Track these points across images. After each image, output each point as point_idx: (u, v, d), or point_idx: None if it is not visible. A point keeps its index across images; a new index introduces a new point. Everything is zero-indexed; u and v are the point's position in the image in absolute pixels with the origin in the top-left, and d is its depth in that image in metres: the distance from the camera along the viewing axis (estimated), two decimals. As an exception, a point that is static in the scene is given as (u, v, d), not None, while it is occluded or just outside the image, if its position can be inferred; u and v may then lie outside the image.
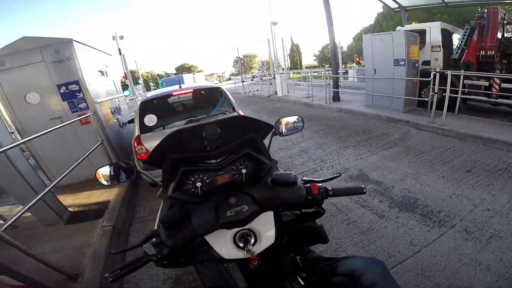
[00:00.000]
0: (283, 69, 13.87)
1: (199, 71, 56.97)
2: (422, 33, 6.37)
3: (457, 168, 3.25)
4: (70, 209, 3.05)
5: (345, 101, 8.13)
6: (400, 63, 5.84)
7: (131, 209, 3.30)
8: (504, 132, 4.01)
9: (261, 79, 17.13)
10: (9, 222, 1.72)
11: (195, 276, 1.94)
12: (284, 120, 1.26)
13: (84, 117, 3.47)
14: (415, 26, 7.13)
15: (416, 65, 6.12)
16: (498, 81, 5.39)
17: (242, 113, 3.40)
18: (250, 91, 15.83)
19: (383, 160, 3.71)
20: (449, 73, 4.64)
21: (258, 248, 0.74)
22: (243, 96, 15.15)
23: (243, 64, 50.28)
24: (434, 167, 3.35)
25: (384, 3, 10.22)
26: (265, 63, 43.78)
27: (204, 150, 0.84)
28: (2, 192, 4.18)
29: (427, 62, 6.39)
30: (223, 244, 0.74)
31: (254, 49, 64.85)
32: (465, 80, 5.18)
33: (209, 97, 3.74)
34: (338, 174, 1.04)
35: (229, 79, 44.91)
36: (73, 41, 3.56)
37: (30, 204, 2.02)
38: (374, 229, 2.29)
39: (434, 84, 4.93)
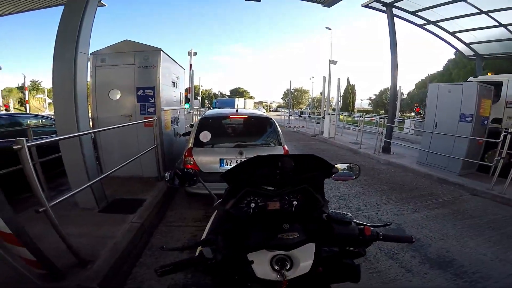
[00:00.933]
0: (333, 110, 13.69)
1: (250, 97, 59.90)
2: (497, 85, 5.59)
3: (508, 235, 2.93)
4: (109, 199, 3.23)
5: (395, 154, 7.52)
6: (467, 118, 5.11)
7: (162, 212, 3.35)
8: None
9: (309, 116, 17.12)
10: (57, 200, 1.83)
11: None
12: (339, 166, 1.21)
13: (149, 121, 3.81)
14: (491, 77, 6.38)
15: (486, 122, 5.31)
16: None
17: (287, 148, 3.41)
18: (295, 127, 15.83)
19: (426, 219, 3.41)
20: None
21: (292, 274, 0.78)
22: (287, 130, 15.13)
23: (293, 98, 51.39)
24: (482, 232, 3.03)
25: (457, 49, 9.47)
26: (316, 100, 44.01)
27: (274, 178, 0.93)
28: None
29: (498, 120, 5.58)
30: (262, 264, 0.78)
31: (307, 85, 66.33)
32: None
33: (259, 125, 3.81)
34: (388, 224, 1.05)
35: (276, 110, 46.13)
36: (161, 51, 4.07)
37: (81, 188, 2.18)
38: (398, 280, 2.18)
39: (502, 147, 4.21)
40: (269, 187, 0.94)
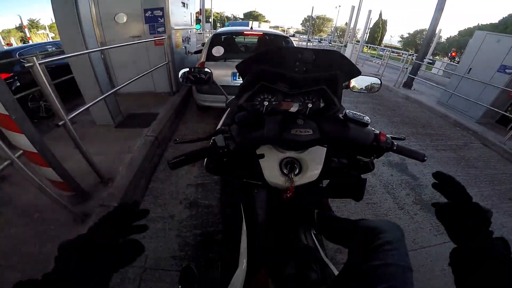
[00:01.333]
0: (358, 41, 12.29)
1: (266, 21, 54.29)
2: None
3: (502, 192, 2.87)
4: (123, 114, 3.31)
5: (417, 91, 7.07)
6: (507, 70, 4.72)
7: (175, 126, 3.46)
8: None
9: (330, 43, 15.54)
10: (74, 113, 1.82)
11: (210, 202, 2.12)
12: (363, 76, 1.11)
13: (159, 39, 3.75)
14: None
15: None
16: None
17: None
18: (313, 55, 14.66)
19: (430, 160, 3.39)
20: None
21: (299, 180, 0.77)
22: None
23: (313, 25, 46.03)
24: (478, 184, 2.99)
25: None
26: (340, 29, 39.35)
27: (292, 70, 0.84)
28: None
29: None
30: (271, 166, 0.78)
31: (331, 14, 58.30)
32: None
33: (275, 44, 3.61)
34: (403, 137, 0.95)
35: (293, 35, 41.98)
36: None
37: (97, 100, 2.23)
38: (388, 216, 2.27)
39: None
40: (284, 86, 0.87)
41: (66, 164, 1.70)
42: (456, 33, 31.24)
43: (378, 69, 9.65)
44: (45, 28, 31.57)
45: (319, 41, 18.39)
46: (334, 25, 40.00)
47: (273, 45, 3.61)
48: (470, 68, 5.38)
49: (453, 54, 18.26)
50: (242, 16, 59.38)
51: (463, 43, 21.63)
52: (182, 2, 4.76)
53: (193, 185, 2.34)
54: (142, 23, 3.84)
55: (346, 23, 12.67)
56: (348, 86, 1.17)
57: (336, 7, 40.35)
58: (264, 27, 39.16)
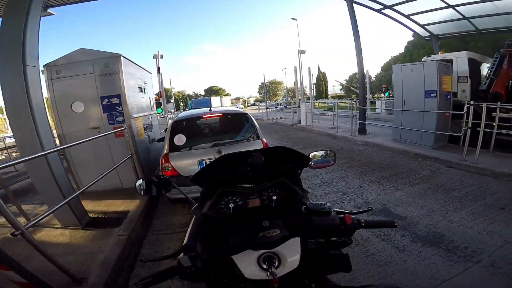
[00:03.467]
0: (308, 98, 13.99)
1: (226, 95, 59.33)
2: (448, 62, 6.14)
3: (489, 205, 3.05)
4: (90, 214, 3.14)
5: (371, 134, 7.90)
6: (432, 95, 5.53)
7: (148, 221, 3.32)
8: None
9: (285, 107, 17.34)
10: (33, 222, 1.80)
11: None
12: (315, 153, 1.22)
13: (119, 130, 3.66)
14: (442, 56, 6.95)
15: (449, 97, 5.79)
16: None
17: (265, 141, 3.43)
18: (273, 118, 16.00)
19: (409, 196, 3.52)
20: (484, 105, 4.31)
21: (281, 271, 0.76)
22: (266, 123, 15.31)
23: (268, 91, 51.65)
24: (464, 204, 3.16)
25: (414, 31, 10.05)
26: (290, 90, 44.60)
27: (246, 175, 0.90)
28: (28, 192, 4.46)
29: (453, 94, 6.07)
30: (248, 264, 0.77)
31: (280, 76, 66.80)
32: (493, 113, 4.79)
33: (235, 122, 3.79)
34: (369, 208, 1.05)
35: (254, 104, 46.17)
36: (121, 57, 3.89)
37: (57, 207, 2.09)
38: (393, 262, 2.20)
39: (467, 118, 4.60)
40: (246, 185, 0.92)
41: (34, 265, 1.71)
42: (379, 70, 36.95)
43: (332, 121, 10.75)
44: (2, 112, 30.08)
45: (276, 106, 20.45)
46: (285, 87, 45.59)
47: (234, 122, 3.82)
48: (404, 101, 6.14)
49: (384, 86, 22.06)
50: (203, 93, 64.14)
51: (389, 77, 25.54)
52: (139, 87, 4.78)
53: (177, 278, 2.11)
54: (100, 112, 3.83)
55: (294, 83, 14.50)
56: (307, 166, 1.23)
57: (282, 70, 46.56)
58: (226, 101, 42.85)
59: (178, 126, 3.42)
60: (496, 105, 4.60)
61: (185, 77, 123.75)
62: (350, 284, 1.83)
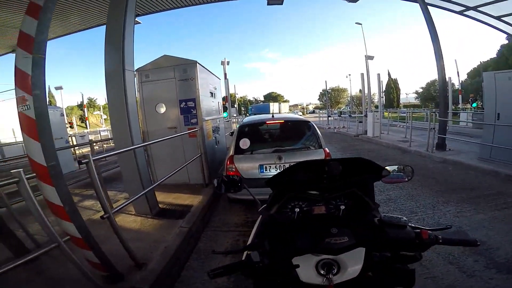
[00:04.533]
0: (376, 107, 12.75)
1: (285, 101, 59.58)
2: None
3: None
4: (160, 205, 3.45)
5: (452, 151, 6.59)
6: None
7: (208, 217, 3.51)
8: None
9: (350, 115, 16.22)
10: (118, 208, 2.06)
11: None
12: (388, 167, 1.10)
13: (193, 131, 4.03)
14: None
15: None
16: None
17: (328, 150, 3.29)
18: (335, 128, 15.11)
19: (492, 221, 3.01)
20: None
21: (339, 278, 0.76)
22: (327, 131, 14.54)
23: (330, 98, 49.54)
24: None
25: (508, 34, 8.24)
26: (355, 98, 41.73)
27: (321, 183, 0.91)
28: (110, 180, 5.19)
29: None
30: (306, 267, 0.77)
31: (344, 83, 63.39)
32: None
33: (297, 129, 3.73)
34: (448, 226, 0.94)
35: (313, 111, 44.81)
36: (197, 63, 4.27)
37: (137, 196, 2.37)
38: (457, 286, 2.00)
39: None
40: (314, 192, 0.93)
41: (105, 247, 1.88)
42: (465, 77, 31.06)
43: (404, 134, 9.53)
44: (99, 109, 36.95)
45: (338, 115, 19.32)
46: (350, 95, 42.80)
47: (295, 129, 3.76)
48: (498, 113, 5.07)
49: (471, 95, 19.91)
50: (262, 98, 66.06)
51: (477, 86, 21.72)
52: (211, 92, 5.12)
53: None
54: (178, 113, 4.25)
55: (360, 90, 13.46)
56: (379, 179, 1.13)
57: (347, 76, 43.67)
58: (284, 107, 42.99)
59: (243, 130, 3.55)
60: None
61: (247, 83, 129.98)
62: None
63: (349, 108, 30.77)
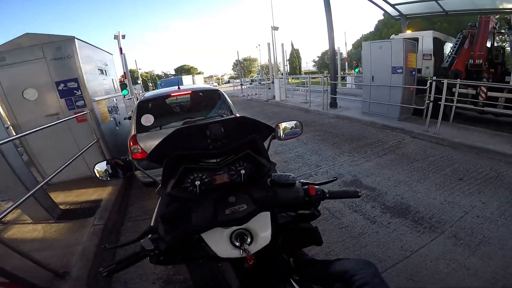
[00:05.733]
0: (282, 74, 13.94)
1: (199, 73, 56.72)
2: (414, 41, 6.49)
3: (449, 176, 3.30)
4: (61, 206, 3.02)
5: (342, 108, 8.19)
6: (398, 70, 5.85)
7: (123, 208, 3.27)
8: (497, 142, 4.08)
9: (260, 83, 17.16)
10: None
11: (185, 276, 1.94)
12: (283, 125, 1.24)
13: (80, 115, 3.46)
14: (409, 34, 7.29)
15: (414, 73, 6.11)
16: (484, 89, 5.52)
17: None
18: (248, 95, 15.87)
19: (377, 167, 3.74)
20: (445, 81, 4.69)
21: (254, 248, 0.75)
22: (241, 99, 15.16)
23: (243, 68, 50.39)
24: (427, 174, 3.40)
25: (385, 11, 10.23)
26: (265, 67, 43.82)
27: (207, 149, 0.86)
28: None
29: (418, 70, 6.48)
30: (220, 242, 0.75)
31: (254, 53, 65.08)
32: (453, 88, 5.21)
33: (207, 99, 3.74)
34: (334, 178, 1.05)
35: (228, 82, 44.91)
36: (75, 39, 3.59)
37: (21, 200, 2.00)
38: (366, 234, 2.32)
39: (430, 93, 4.97)
40: (211, 160, 0.87)
41: (12, 263, 1.66)
42: (350, 47, 37.75)
43: (305, 96, 10.93)
44: None
45: (250, 83, 20.15)
46: (260, 64, 44.65)
47: (205, 99, 3.76)
48: (373, 76, 6.46)
49: (354, 62, 23.70)
50: (173, 72, 60.94)
51: (359, 54, 26.19)
52: (100, 69, 4.57)
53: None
54: (56, 98, 3.59)
55: (268, 60, 14.30)
56: (274, 137, 1.18)
57: (256, 47, 45.35)
58: (199, 79, 41.07)
59: (145, 106, 3.30)
60: (456, 81, 4.97)
61: (154, 57, 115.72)
62: (328, 258, 1.95)
63: (260, 76, 32.33)
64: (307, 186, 0.85)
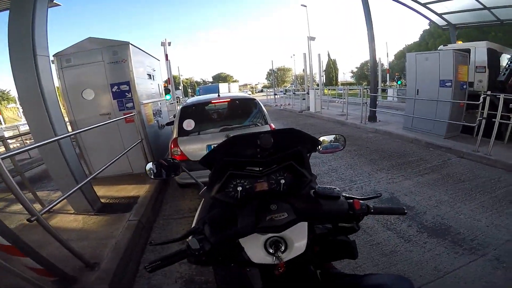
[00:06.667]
0: (317, 85, 13.72)
1: (234, 81, 58.64)
2: (466, 52, 5.93)
3: (499, 198, 2.96)
4: (102, 200, 3.22)
5: (382, 122, 7.71)
6: (447, 84, 5.36)
7: (158, 206, 3.37)
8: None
9: (294, 93, 17.04)
10: (48, 208, 1.86)
11: (207, 278, 1.99)
12: (324, 138, 1.21)
13: (129, 116, 3.72)
14: (459, 45, 6.68)
15: (465, 87, 5.57)
16: None
17: (273, 126, 3.41)
18: (281, 105, 15.79)
19: (418, 186, 3.47)
20: (501, 96, 4.11)
21: (287, 256, 0.75)
22: (274, 109, 15.11)
23: (276, 78, 50.84)
24: (474, 196, 3.08)
25: (431, 20, 9.64)
26: (299, 77, 43.83)
27: (254, 157, 0.89)
28: (43, 178, 4.63)
29: (470, 84, 5.88)
30: (255, 248, 0.76)
31: (289, 63, 65.39)
32: (510, 104, 4.56)
33: (244, 107, 3.79)
34: (378, 195, 1.02)
35: (261, 91, 45.57)
36: (130, 45, 3.89)
37: (70, 192, 2.16)
38: (398, 252, 2.19)
39: (483, 108, 4.44)
40: (254, 168, 0.89)
41: (48, 250, 1.78)
42: (393, 58, 36.07)
43: (342, 108, 10.55)
44: (15, 101, 30.61)
45: (284, 93, 20.17)
46: (294, 74, 44.64)
47: (242, 107, 3.82)
48: (418, 89, 6.01)
49: (396, 74, 22.82)
50: (211, 79, 63.73)
51: (401, 65, 24.85)
52: (148, 74, 4.83)
53: (185, 262, 2.19)
54: (110, 99, 3.89)
55: (303, 70, 14.23)
56: (315, 150, 1.17)
57: (291, 56, 45.64)
58: (234, 87, 42.49)
59: (187, 111, 3.43)
60: None
61: (193, 65, 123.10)
62: (355, 273, 1.86)
63: (294, 86, 32.23)
64: (352, 200, 0.83)
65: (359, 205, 0.81)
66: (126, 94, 3.91)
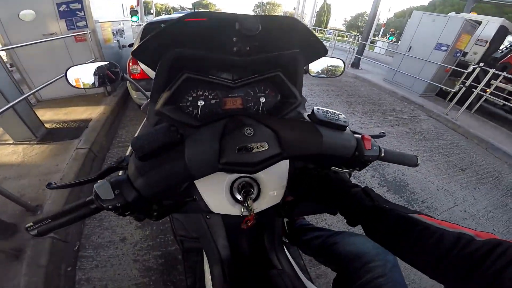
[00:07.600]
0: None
1: (216, 10, 52.55)
2: (476, 23, 5.82)
3: (453, 164, 3.22)
4: (47, 125, 2.81)
5: (364, 70, 7.75)
6: (443, 48, 5.40)
7: (113, 131, 3.03)
8: (510, 143, 3.87)
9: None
10: None
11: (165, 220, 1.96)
12: (324, 59, 0.86)
13: (79, 34, 3.34)
14: (473, 16, 6.67)
15: (458, 54, 5.59)
16: None
17: None
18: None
19: (387, 136, 3.59)
20: (491, 71, 4.20)
21: (259, 206, 0.57)
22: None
23: (264, 12, 46.44)
24: (433, 156, 3.32)
25: None
26: (288, 14, 40.55)
27: (228, 53, 0.53)
28: None
29: (463, 54, 6.00)
30: (217, 192, 0.56)
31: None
32: (492, 80, 4.75)
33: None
34: (383, 134, 0.74)
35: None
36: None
37: (0, 111, 1.89)
38: None
39: (467, 78, 4.65)
40: (224, 76, 0.58)
41: None
42: (392, 15, 34.78)
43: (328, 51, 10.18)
44: None
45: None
46: (284, 11, 40.89)
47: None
48: (411, 47, 6.02)
49: (392, 30, 22.67)
50: (190, 7, 56.39)
51: (399, 24, 24.43)
52: None
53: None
54: (56, 19, 3.36)
55: (295, 8, 12.91)
56: (306, 71, 0.85)
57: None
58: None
59: (151, 29, 3.01)
60: (503, 73, 4.42)
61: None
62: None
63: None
64: (360, 136, 0.57)
65: (370, 145, 0.57)
66: (78, 12, 3.40)
